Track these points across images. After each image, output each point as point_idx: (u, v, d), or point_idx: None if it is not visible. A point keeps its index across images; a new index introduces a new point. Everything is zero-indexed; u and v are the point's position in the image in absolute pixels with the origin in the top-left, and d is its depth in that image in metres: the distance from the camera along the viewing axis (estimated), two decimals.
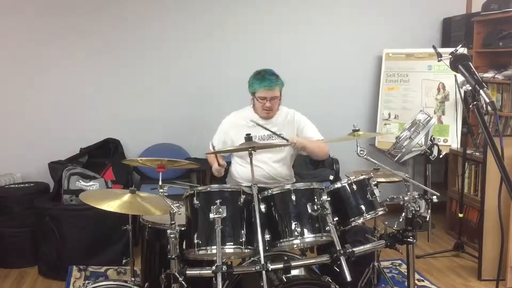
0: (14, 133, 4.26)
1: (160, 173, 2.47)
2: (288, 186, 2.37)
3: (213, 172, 3.07)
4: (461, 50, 2.59)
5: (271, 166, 3.19)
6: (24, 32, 4.19)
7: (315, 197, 2.34)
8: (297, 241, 2.28)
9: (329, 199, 2.34)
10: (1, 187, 3.94)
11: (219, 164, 2.98)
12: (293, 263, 2.26)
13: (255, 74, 3.18)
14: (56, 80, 4.30)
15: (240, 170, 3.25)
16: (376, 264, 2.88)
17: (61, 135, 4.32)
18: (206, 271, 2.16)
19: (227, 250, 2.22)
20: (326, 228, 2.28)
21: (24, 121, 4.27)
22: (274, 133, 3.09)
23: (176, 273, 2.17)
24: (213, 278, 2.10)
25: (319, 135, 3.27)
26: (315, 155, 3.25)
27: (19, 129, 4.27)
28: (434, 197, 2.54)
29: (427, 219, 2.52)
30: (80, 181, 3.74)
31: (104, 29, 4.33)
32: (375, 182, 2.59)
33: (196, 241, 2.21)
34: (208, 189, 2.34)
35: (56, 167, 3.94)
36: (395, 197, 2.55)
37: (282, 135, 3.09)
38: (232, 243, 2.22)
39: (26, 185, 3.99)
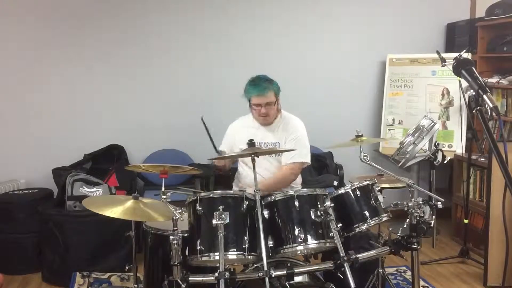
0: (18, 139, 4.27)
1: (163, 179, 2.47)
2: (291, 192, 2.35)
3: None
4: (465, 55, 2.58)
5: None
6: (27, 37, 4.21)
7: (319, 203, 2.33)
8: (300, 248, 2.27)
9: (332, 205, 2.32)
10: (5, 193, 3.94)
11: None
12: (297, 270, 2.25)
13: (249, 81, 3.17)
14: (60, 86, 4.32)
15: (247, 175, 3.24)
16: (380, 270, 2.85)
17: (65, 141, 4.33)
18: (209, 278, 2.15)
19: (230, 257, 2.21)
20: (330, 235, 2.27)
21: (28, 127, 4.28)
22: (278, 151, 3.12)
23: (179, 280, 2.17)
24: (216, 285, 2.09)
25: (295, 158, 3.09)
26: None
27: (23, 135, 4.28)
28: (439, 203, 2.52)
29: (432, 225, 2.51)
30: (84, 187, 3.73)
31: (108, 36, 4.35)
32: (379, 188, 2.58)
33: (199, 247, 2.21)
34: (211, 195, 2.33)
35: (60, 173, 3.94)
36: (399, 203, 2.53)
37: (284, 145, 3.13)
38: (235, 250, 2.22)
39: (30, 191, 3.98)
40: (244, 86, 3.19)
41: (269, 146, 3.16)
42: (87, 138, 4.36)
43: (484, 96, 1.50)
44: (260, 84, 3.08)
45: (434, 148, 3.37)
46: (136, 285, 2.72)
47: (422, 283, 3.44)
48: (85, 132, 4.38)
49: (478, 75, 1.58)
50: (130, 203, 2.41)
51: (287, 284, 2.28)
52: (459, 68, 1.62)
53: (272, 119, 3.20)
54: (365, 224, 2.47)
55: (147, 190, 4.19)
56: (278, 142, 3.18)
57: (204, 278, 2.19)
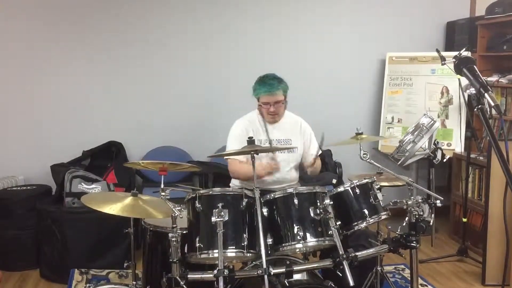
0: (16, 136, 4.26)
1: (162, 176, 2.46)
2: (290, 190, 2.35)
3: (266, 173, 3.08)
4: (465, 53, 2.56)
5: (281, 173, 3.18)
6: (26, 34, 4.19)
7: (318, 201, 2.32)
8: (299, 245, 2.26)
9: (331, 203, 2.32)
10: (4, 189, 3.93)
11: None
12: (295, 267, 2.25)
13: (258, 79, 3.18)
14: (59, 82, 4.31)
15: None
16: (379, 268, 2.86)
17: (64, 138, 4.32)
18: (208, 275, 2.15)
19: (229, 254, 2.20)
20: (329, 232, 2.26)
21: (27, 124, 4.28)
22: (281, 148, 3.13)
23: (177, 277, 2.17)
24: (215, 282, 2.09)
25: (318, 150, 3.31)
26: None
27: (22, 132, 4.27)
28: (438, 201, 2.52)
29: (431, 223, 2.50)
30: (82, 183, 3.73)
31: (107, 32, 4.34)
32: (378, 186, 2.58)
33: (197, 244, 2.20)
34: (210, 192, 2.32)
35: (58, 170, 3.93)
36: (398, 201, 2.53)
37: (290, 142, 3.15)
38: (234, 247, 2.21)
39: (29, 187, 3.98)
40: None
41: (281, 144, 3.19)
42: (85, 134, 4.36)
43: (486, 95, 1.49)
44: (269, 83, 3.09)
45: (434, 146, 3.36)
46: (134, 282, 2.71)
47: (420, 281, 3.45)
48: (83, 128, 4.37)
49: (479, 74, 1.57)
50: (129, 200, 2.40)
51: (286, 281, 2.28)
52: (461, 66, 1.62)
53: (280, 118, 3.23)
54: (364, 222, 2.47)
55: (146, 187, 4.19)
56: (290, 139, 3.21)
57: (203, 276, 2.19)
